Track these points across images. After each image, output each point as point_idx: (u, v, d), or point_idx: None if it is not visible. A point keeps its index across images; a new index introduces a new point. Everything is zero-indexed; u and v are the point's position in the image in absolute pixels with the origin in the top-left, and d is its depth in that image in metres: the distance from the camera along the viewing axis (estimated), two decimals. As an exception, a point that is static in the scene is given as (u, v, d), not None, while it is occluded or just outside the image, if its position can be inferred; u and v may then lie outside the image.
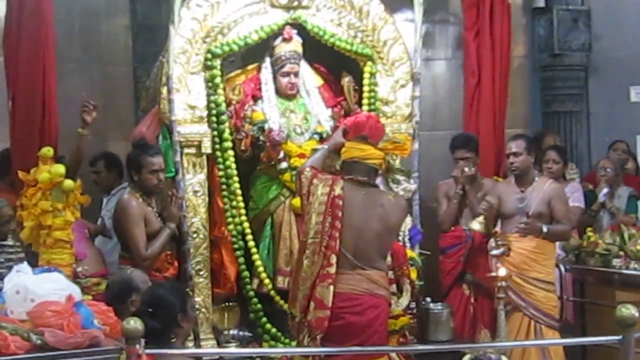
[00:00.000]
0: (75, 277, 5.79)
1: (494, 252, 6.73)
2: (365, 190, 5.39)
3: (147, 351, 4.49)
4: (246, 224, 6.45)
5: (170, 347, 4.70)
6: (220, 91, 6.37)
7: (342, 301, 5.18)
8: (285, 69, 6.51)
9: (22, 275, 4.94)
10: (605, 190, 8.66)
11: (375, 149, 5.45)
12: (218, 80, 6.36)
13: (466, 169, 7.16)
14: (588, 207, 8.51)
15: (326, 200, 5.24)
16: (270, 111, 6.47)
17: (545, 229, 6.87)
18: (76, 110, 7.64)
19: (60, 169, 5.69)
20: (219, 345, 6.15)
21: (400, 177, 6.28)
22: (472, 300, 7.31)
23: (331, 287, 5.16)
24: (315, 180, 5.33)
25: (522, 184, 7.14)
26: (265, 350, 6.17)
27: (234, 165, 6.40)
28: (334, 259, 5.18)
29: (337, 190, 5.26)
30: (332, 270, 5.18)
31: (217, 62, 6.35)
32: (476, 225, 6.81)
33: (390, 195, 5.62)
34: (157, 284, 5.30)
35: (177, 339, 4.77)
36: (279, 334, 6.34)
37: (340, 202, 5.24)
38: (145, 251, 6.08)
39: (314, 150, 6.06)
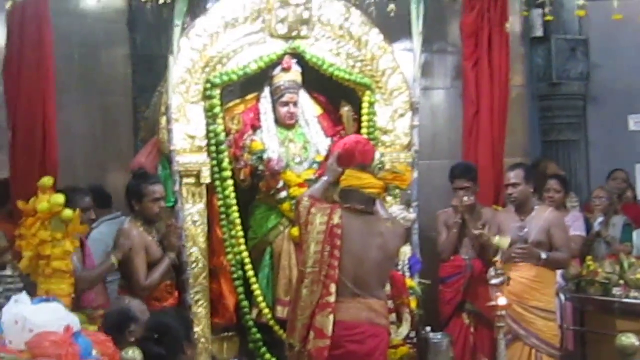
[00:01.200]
0: (82, 307, 5.78)
1: (494, 281, 6.71)
2: (364, 219, 5.40)
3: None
4: (245, 254, 6.44)
5: None
6: (219, 121, 6.38)
7: (343, 330, 5.18)
8: (285, 99, 6.52)
9: (20, 306, 4.93)
10: (600, 219, 8.68)
11: (374, 179, 5.48)
12: (217, 110, 6.36)
13: (465, 199, 7.16)
14: (588, 237, 8.53)
15: (325, 230, 5.25)
16: (269, 141, 6.48)
17: (544, 256, 6.90)
18: (75, 141, 7.68)
19: (60, 198, 5.67)
20: (218, 376, 6.14)
21: (397, 207, 6.31)
22: (472, 329, 7.31)
23: (331, 316, 5.16)
24: (313, 210, 5.35)
25: (521, 213, 7.15)
26: (265, 380, 6.17)
27: (233, 195, 6.40)
28: (333, 288, 5.19)
29: (336, 220, 5.27)
30: (332, 299, 5.18)
31: (217, 92, 6.36)
32: (505, 242, 6.80)
33: (389, 223, 5.64)
34: (162, 312, 5.36)
35: None
36: (279, 362, 6.33)
37: (339, 231, 5.25)
38: (145, 281, 6.06)
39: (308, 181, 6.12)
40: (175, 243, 6.18)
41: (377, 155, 6.02)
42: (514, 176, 7.14)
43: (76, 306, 5.74)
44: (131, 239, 6.10)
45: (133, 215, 6.26)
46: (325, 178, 5.77)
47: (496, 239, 6.83)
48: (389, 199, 6.52)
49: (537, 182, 7.66)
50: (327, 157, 6.16)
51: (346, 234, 5.28)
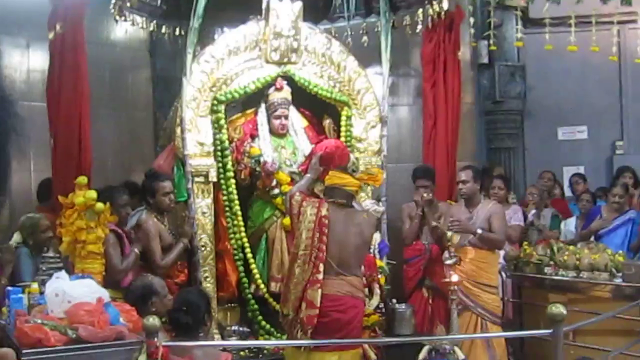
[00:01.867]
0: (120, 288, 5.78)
1: (448, 261, 6.73)
2: (345, 211, 5.40)
3: (164, 343, 4.46)
4: (245, 239, 6.42)
5: (198, 340, 4.74)
6: (224, 131, 6.35)
7: (329, 301, 5.17)
8: (277, 113, 6.50)
9: (60, 281, 4.93)
10: (533, 211, 8.72)
11: (353, 179, 5.50)
12: (222, 122, 6.35)
13: (425, 195, 7.15)
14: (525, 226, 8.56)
15: (314, 220, 5.25)
16: (265, 147, 6.46)
17: (479, 231, 6.93)
18: (105, 147, 7.64)
19: (93, 194, 5.66)
20: (223, 338, 6.10)
21: (370, 201, 6.30)
22: (430, 301, 7.30)
23: (319, 290, 5.16)
24: (304, 203, 5.34)
25: (470, 205, 7.17)
26: (261, 342, 6.13)
27: (235, 191, 6.38)
28: (321, 267, 5.19)
29: (324, 212, 5.27)
30: (320, 276, 5.18)
31: (222, 107, 6.33)
32: (454, 238, 6.82)
33: (365, 214, 5.65)
34: (188, 290, 5.40)
35: (202, 333, 4.82)
36: (272, 329, 6.31)
37: (326, 221, 5.25)
38: (161, 261, 6.06)
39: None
40: (188, 231, 6.17)
41: (352, 158, 6.00)
42: (464, 175, 7.17)
43: (115, 287, 5.73)
44: (148, 228, 6.09)
45: (148, 208, 6.23)
46: (308, 175, 5.74)
47: (449, 234, 6.84)
48: (362, 194, 6.51)
49: (484, 182, 7.68)
50: (309, 157, 6.13)
51: (332, 223, 5.27)
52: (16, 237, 6.48)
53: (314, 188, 5.73)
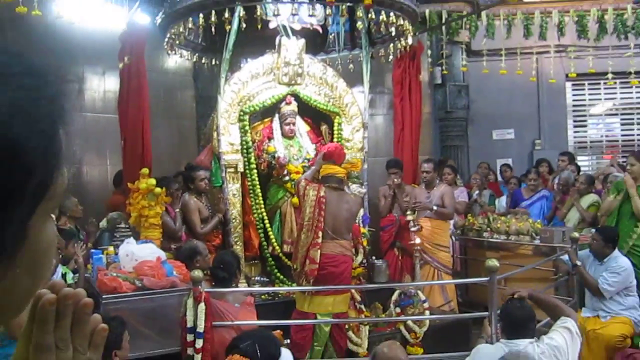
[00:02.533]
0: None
1: (412, 229, 6.73)
2: (337, 193, 5.40)
3: (206, 290, 4.48)
4: (264, 214, 6.40)
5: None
6: (248, 134, 6.33)
7: (325, 259, 5.19)
8: (287, 121, 6.47)
9: (130, 245, 4.97)
10: (477, 192, 8.73)
11: (340, 168, 5.51)
12: (247, 128, 6.32)
13: (396, 180, 7.16)
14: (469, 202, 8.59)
15: (315, 199, 5.25)
16: (278, 146, 6.43)
17: (435, 208, 7.00)
18: (161, 147, 7.64)
19: (153, 181, 5.68)
20: (249, 286, 6.11)
21: (355, 185, 6.29)
22: (399, 257, 7.31)
23: (319, 251, 5.18)
24: (308, 187, 5.34)
25: (429, 188, 7.21)
26: (276, 289, 6.14)
27: (256, 179, 6.36)
28: (320, 234, 5.20)
29: (322, 193, 5.28)
30: (319, 240, 5.20)
31: (246, 117, 6.30)
32: (410, 216, 6.83)
33: (352, 195, 5.65)
34: (224, 252, 5.46)
35: (234, 283, 4.94)
36: (285, 279, 6.29)
37: (324, 200, 5.25)
38: (200, 230, 6.10)
39: (306, 168, 6.11)
40: (222, 208, 6.18)
41: (348, 157, 5.99)
42: (427, 167, 7.22)
43: (168, 248, 5.76)
44: (189, 206, 6.12)
45: (189, 192, 6.27)
46: (314, 167, 5.75)
47: (408, 212, 6.86)
48: (351, 184, 6.51)
49: (440, 170, 7.69)
50: (316, 155, 6.13)
51: (328, 202, 5.26)
52: (103, 223, 6.54)
53: (318, 177, 5.74)
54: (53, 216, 0.80)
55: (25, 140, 0.68)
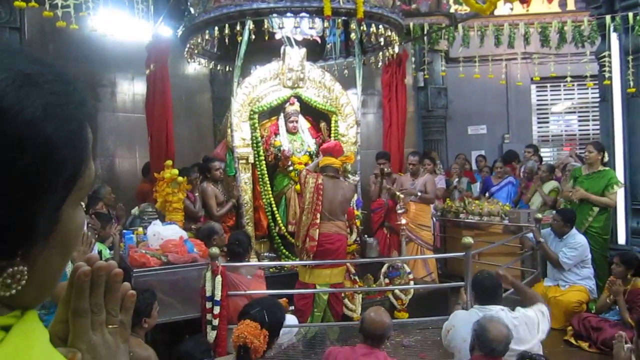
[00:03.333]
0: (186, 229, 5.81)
1: (399, 211, 6.74)
2: (334, 181, 5.39)
3: (222, 264, 4.49)
4: (272, 199, 6.40)
5: (243, 262, 4.82)
6: (257, 131, 6.31)
7: (323, 237, 5.20)
8: (291, 119, 6.45)
9: (156, 226, 4.97)
10: (456, 179, 8.71)
11: (337, 160, 5.50)
12: (256, 125, 6.30)
13: (385, 169, 7.17)
14: (447, 188, 8.57)
15: (314, 186, 5.26)
16: (283, 141, 6.42)
17: (419, 194, 7.03)
18: (183, 142, 7.63)
19: (176, 171, 5.67)
20: (259, 260, 6.12)
21: (350, 175, 6.30)
22: (388, 236, 7.32)
23: (317, 230, 5.19)
24: (308, 176, 5.35)
25: (413, 176, 7.20)
26: (282, 263, 6.14)
27: (265, 169, 6.35)
28: (318, 216, 5.21)
29: (319, 181, 5.28)
30: (318, 221, 5.21)
31: (256, 116, 6.28)
32: (400, 196, 6.84)
33: (347, 183, 5.65)
34: (238, 232, 5.47)
35: (247, 258, 4.94)
36: (290, 254, 6.30)
37: (321, 187, 5.25)
38: (216, 213, 6.11)
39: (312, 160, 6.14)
40: (236, 194, 6.16)
41: (345, 151, 5.97)
42: (413, 159, 7.24)
43: (189, 228, 5.76)
44: (207, 192, 6.12)
45: (207, 180, 6.27)
46: (316, 161, 5.77)
47: (397, 193, 6.86)
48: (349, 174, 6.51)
49: (422, 160, 7.68)
50: (318, 151, 6.12)
51: (325, 188, 5.26)
52: (135, 211, 6.53)
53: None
54: (82, 204, 0.81)
55: (57, 139, 0.69)
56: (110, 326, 0.81)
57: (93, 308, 0.80)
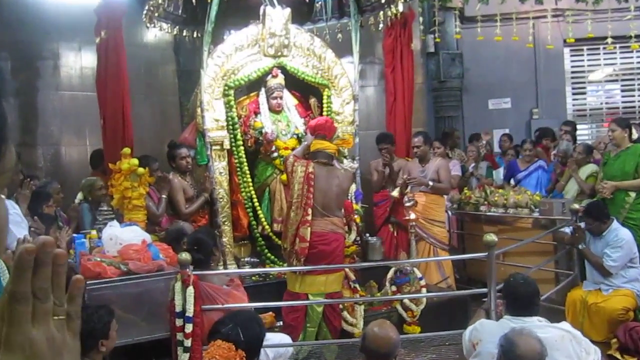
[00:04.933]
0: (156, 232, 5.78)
1: (407, 204, 6.74)
2: (327, 168, 5.39)
3: (194, 272, 4.49)
4: (253, 192, 6.40)
5: (211, 269, 4.72)
6: (233, 110, 6.30)
7: (316, 237, 5.20)
8: (274, 95, 6.45)
9: (113, 228, 4.97)
10: (473, 164, 8.75)
11: (331, 144, 5.50)
12: (232, 103, 6.30)
13: (387, 158, 7.22)
14: (463, 175, 8.60)
15: (303, 176, 5.25)
16: (265, 121, 6.42)
17: (430, 183, 7.01)
18: (143, 125, 7.60)
19: (135, 161, 5.67)
20: (238, 267, 6.13)
21: (346, 160, 6.31)
22: (394, 234, 7.33)
23: (309, 228, 5.18)
24: (296, 164, 5.34)
25: (422, 162, 7.20)
26: (267, 269, 6.16)
27: (243, 156, 6.35)
28: (309, 211, 5.20)
29: (310, 169, 5.27)
30: (309, 218, 5.20)
31: (231, 92, 6.27)
32: (395, 194, 6.88)
33: (342, 170, 5.67)
34: (196, 231, 5.35)
35: (213, 263, 4.79)
36: (276, 259, 6.33)
37: (313, 176, 5.25)
38: (185, 209, 6.13)
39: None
40: (209, 187, 6.16)
41: (338, 131, 5.98)
42: (417, 141, 7.21)
43: (153, 230, 5.76)
44: (175, 185, 6.16)
45: (173, 170, 6.30)
46: (304, 143, 5.78)
47: (391, 192, 6.87)
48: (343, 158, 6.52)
49: (447, 142, 7.64)
50: (306, 131, 6.12)
51: (317, 177, 5.26)
52: (79, 196, 6.52)
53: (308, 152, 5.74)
54: (3, 196, 0.79)
55: None
56: (56, 317, 0.79)
57: (37, 293, 0.76)
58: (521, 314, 3.67)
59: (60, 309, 0.79)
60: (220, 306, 4.50)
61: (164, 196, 6.05)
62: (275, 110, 6.50)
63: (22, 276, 0.75)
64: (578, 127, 10.13)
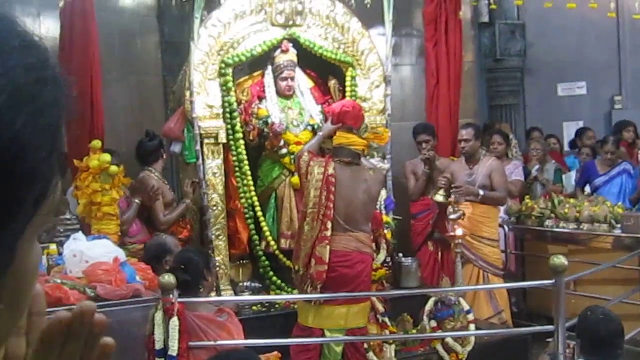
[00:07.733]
0: (123, 245, 5.80)
1: (452, 216, 6.69)
2: (352, 169, 5.39)
3: (180, 300, 4.49)
4: (255, 198, 6.44)
5: (200, 296, 4.71)
6: (232, 93, 6.35)
7: (337, 257, 5.18)
8: (284, 75, 6.47)
9: (78, 242, 4.99)
10: (537, 166, 8.70)
11: (359, 138, 5.48)
12: (230, 84, 6.34)
13: (431, 153, 7.18)
14: (525, 181, 8.56)
15: (322, 179, 5.25)
16: (272, 109, 6.45)
17: (481, 193, 6.94)
18: (117, 111, 7.64)
19: (107, 157, 5.69)
20: (236, 294, 6.15)
21: (375, 159, 6.31)
22: (437, 255, 7.30)
23: (328, 247, 5.17)
24: (312, 163, 5.34)
25: (470, 162, 7.18)
26: (273, 297, 6.17)
27: (244, 152, 6.39)
28: (329, 225, 5.19)
29: (330, 170, 5.26)
30: (328, 233, 5.19)
31: (230, 71, 6.31)
32: (439, 198, 6.83)
33: (372, 171, 5.64)
34: (186, 249, 5.37)
35: (204, 289, 4.77)
36: (284, 284, 6.34)
37: (333, 180, 5.24)
38: (163, 217, 6.18)
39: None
40: (188, 190, 6.23)
41: (366, 121, 5.98)
42: (466, 133, 7.18)
43: (122, 242, 5.78)
44: (152, 186, 6.20)
45: (148, 168, 6.34)
46: (321, 134, 5.79)
47: (434, 196, 6.87)
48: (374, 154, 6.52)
49: (485, 138, 7.67)
50: (326, 120, 6.13)
51: (338, 181, 5.26)
52: None
53: (328, 146, 5.73)
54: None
55: (30, 137, 0.67)
56: None
57: None
58: (599, 357, 3.65)
59: None
60: (212, 343, 4.50)
61: (136, 201, 6.07)
62: (285, 94, 6.52)
63: (49, 351, 0.77)
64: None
